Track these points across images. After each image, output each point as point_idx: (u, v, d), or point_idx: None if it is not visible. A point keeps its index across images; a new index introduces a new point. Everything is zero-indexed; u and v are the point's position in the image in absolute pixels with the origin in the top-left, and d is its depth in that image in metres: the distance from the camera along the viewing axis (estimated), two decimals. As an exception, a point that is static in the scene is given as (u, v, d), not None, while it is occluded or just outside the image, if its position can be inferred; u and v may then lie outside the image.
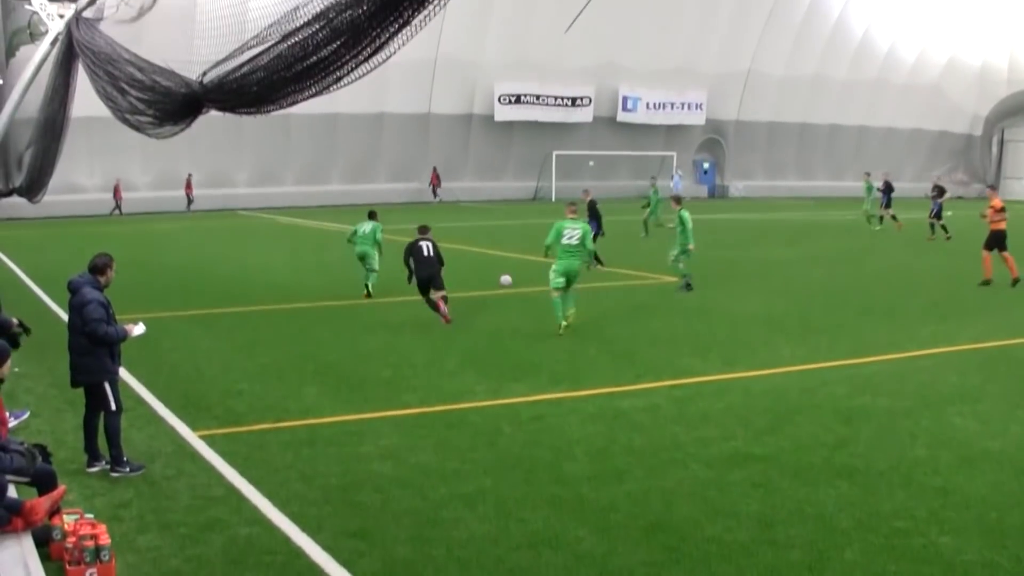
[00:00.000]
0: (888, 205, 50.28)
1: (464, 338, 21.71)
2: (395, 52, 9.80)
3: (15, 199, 40.06)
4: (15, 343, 14.22)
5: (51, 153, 29.85)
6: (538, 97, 78.47)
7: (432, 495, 11.65)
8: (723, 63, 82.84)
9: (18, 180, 36.00)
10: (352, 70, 10.29)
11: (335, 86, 11.20)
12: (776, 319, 24.00)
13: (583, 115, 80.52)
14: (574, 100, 79.96)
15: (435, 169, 76.34)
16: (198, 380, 18.06)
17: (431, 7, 8.63)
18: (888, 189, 50.45)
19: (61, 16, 27.43)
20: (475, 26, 70.31)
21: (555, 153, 78.85)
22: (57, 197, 51.21)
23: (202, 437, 14.15)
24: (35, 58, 27.73)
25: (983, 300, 27.27)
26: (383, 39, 9.38)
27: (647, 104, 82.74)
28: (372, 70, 10.36)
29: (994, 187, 41.19)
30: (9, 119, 27.77)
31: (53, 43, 27.10)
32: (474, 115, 77.90)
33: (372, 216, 28.89)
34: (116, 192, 66.29)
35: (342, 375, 18.22)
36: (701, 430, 14.24)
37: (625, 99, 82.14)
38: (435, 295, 23.38)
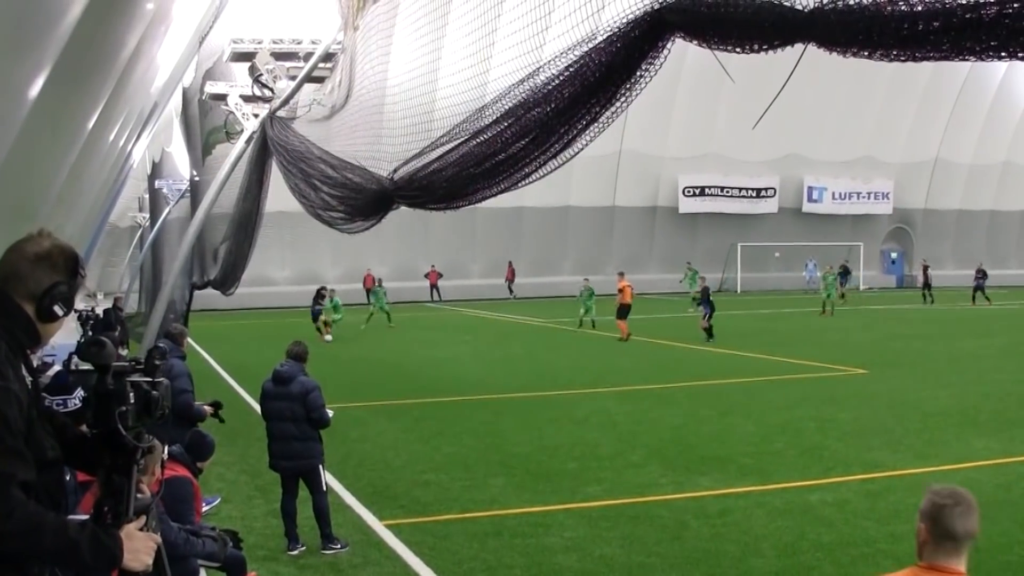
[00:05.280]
0: None
1: (649, 431, 21.60)
2: (583, 148, 9.90)
3: (209, 291, 41.17)
4: (219, 420, 14.68)
5: (244, 247, 30.57)
6: (722, 189, 78.53)
7: (618, 589, 11.59)
8: (909, 152, 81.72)
9: (212, 273, 36.92)
10: (541, 166, 10.40)
11: (523, 182, 11.33)
12: (969, 412, 23.30)
13: (768, 206, 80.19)
14: (759, 191, 79.76)
15: (510, 263, 75.12)
16: (385, 470, 18.27)
17: (619, 103, 8.71)
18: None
19: (256, 116, 28.24)
20: (658, 120, 70.59)
21: (740, 244, 78.43)
22: (249, 289, 52.57)
23: (388, 526, 14.32)
24: (231, 156, 28.44)
25: None
26: (571, 136, 9.49)
27: (833, 194, 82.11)
28: (560, 166, 10.47)
29: None
30: (205, 215, 28.53)
31: (248, 141, 27.85)
32: (658, 207, 78.13)
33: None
34: (367, 281, 67.29)
35: (528, 467, 18.23)
36: (892, 525, 13.88)
37: (810, 189, 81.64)
38: None
